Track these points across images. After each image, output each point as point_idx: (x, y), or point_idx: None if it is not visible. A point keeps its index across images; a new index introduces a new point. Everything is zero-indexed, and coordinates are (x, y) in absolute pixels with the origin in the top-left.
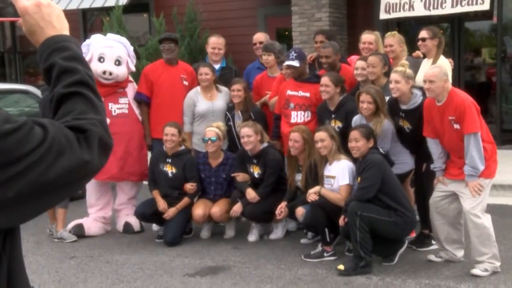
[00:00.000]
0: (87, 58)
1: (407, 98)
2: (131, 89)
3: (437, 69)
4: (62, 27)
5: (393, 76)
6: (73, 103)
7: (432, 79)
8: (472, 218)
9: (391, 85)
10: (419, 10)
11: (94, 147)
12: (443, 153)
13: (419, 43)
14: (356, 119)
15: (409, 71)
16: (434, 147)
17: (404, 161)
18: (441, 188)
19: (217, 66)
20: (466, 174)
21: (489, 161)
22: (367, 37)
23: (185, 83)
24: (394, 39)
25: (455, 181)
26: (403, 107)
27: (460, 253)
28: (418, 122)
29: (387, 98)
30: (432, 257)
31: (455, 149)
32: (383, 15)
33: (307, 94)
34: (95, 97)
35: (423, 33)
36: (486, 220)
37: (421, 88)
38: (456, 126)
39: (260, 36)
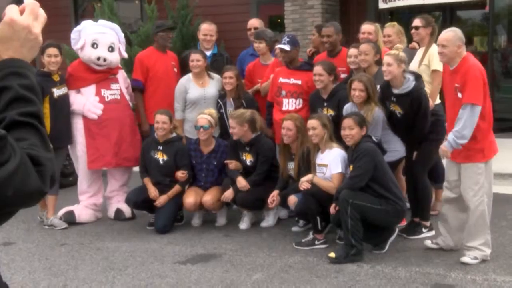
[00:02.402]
0: (79, 45)
1: (399, 82)
2: (121, 75)
3: (452, 32)
4: (28, 56)
5: (386, 59)
6: (26, 133)
7: (444, 43)
8: (469, 204)
9: (383, 68)
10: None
11: (48, 182)
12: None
13: (412, 31)
14: (347, 107)
15: (402, 54)
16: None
17: (395, 149)
18: (448, 188)
19: (208, 53)
20: (447, 140)
21: (482, 142)
22: (367, 27)
23: (175, 70)
24: (393, 29)
25: (453, 165)
26: (395, 91)
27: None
28: (409, 108)
29: (378, 87)
30: (428, 243)
31: (453, 119)
32: (382, 5)
33: (299, 82)
34: (45, 134)
35: (417, 22)
36: (483, 206)
37: (413, 73)
38: (460, 94)
39: (254, 22)
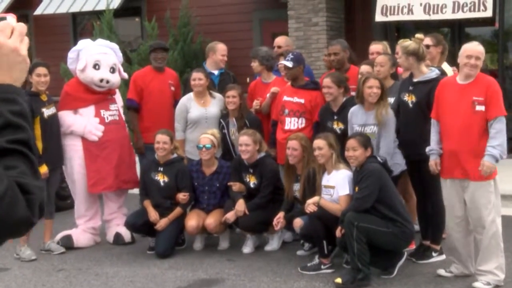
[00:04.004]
0: (80, 66)
1: (420, 73)
2: (118, 96)
3: (482, 46)
4: (18, 79)
5: (397, 48)
6: (15, 160)
7: (480, 56)
8: (484, 224)
9: (399, 59)
10: (419, 14)
11: (36, 211)
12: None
13: None
14: (354, 110)
15: (413, 45)
16: (436, 129)
17: (396, 162)
18: (454, 212)
19: (216, 72)
20: (489, 154)
21: None
22: (375, 47)
23: (172, 88)
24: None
25: (455, 182)
26: (415, 79)
27: (473, 269)
28: (425, 96)
29: (392, 100)
30: (442, 272)
31: (465, 134)
32: (379, 17)
33: (302, 101)
34: (35, 161)
35: (427, 40)
36: (496, 227)
37: (440, 68)
38: (480, 107)
39: (279, 40)
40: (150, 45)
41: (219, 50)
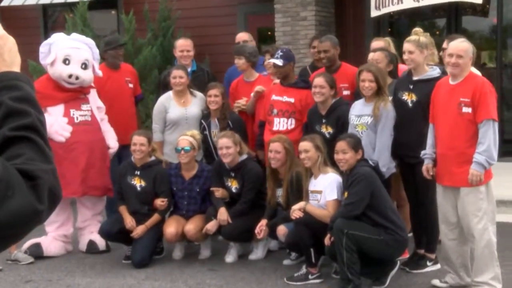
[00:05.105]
0: (49, 60)
1: (422, 70)
2: (94, 95)
3: (467, 43)
4: (14, 62)
5: (406, 46)
6: (20, 147)
7: (462, 54)
8: (473, 233)
9: (405, 56)
10: (408, 2)
11: (44, 197)
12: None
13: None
14: (357, 104)
15: (423, 39)
16: (433, 132)
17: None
18: (445, 218)
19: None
20: (475, 161)
21: None
22: (377, 43)
23: (130, 85)
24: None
25: (448, 188)
26: (415, 77)
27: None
28: (426, 95)
29: (390, 98)
30: (436, 282)
31: (452, 138)
32: (374, 12)
33: (292, 100)
34: (45, 144)
35: (445, 44)
36: (489, 235)
37: (442, 67)
38: (466, 109)
39: (243, 36)
40: (107, 41)
41: (178, 47)
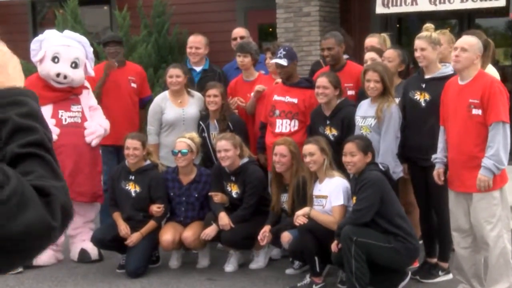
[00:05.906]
0: (38, 57)
1: (435, 68)
2: (86, 96)
3: (475, 39)
4: (17, 78)
5: (418, 43)
6: (31, 165)
7: (466, 47)
8: (487, 241)
9: (416, 54)
10: (424, 5)
11: (58, 214)
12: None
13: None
14: (363, 104)
15: (435, 35)
16: (443, 135)
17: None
18: (458, 227)
19: (198, 69)
20: (483, 166)
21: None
22: (370, 40)
23: (133, 85)
24: (443, 38)
25: (459, 193)
26: (427, 76)
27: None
28: (441, 93)
29: (397, 100)
30: None
31: (461, 142)
32: (380, 9)
33: (295, 100)
34: (53, 160)
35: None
36: (503, 243)
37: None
38: (476, 111)
39: (240, 31)
40: (103, 39)
41: (188, 43)
